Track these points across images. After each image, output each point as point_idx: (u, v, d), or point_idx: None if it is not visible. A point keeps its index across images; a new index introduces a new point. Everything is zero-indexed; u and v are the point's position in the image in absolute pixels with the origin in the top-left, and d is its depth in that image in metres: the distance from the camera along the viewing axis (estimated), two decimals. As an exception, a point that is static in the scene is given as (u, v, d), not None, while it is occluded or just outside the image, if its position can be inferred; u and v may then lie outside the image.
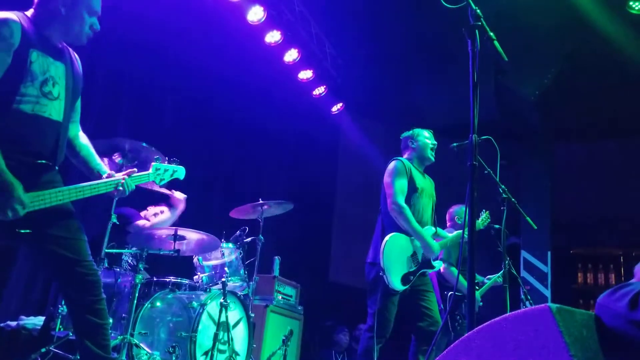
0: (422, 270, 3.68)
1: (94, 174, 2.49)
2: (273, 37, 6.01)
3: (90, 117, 4.41)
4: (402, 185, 3.74)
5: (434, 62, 6.66)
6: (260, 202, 4.51)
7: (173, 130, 5.56)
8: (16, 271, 3.95)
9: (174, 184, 2.91)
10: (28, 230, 2.20)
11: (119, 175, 2.47)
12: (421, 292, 3.73)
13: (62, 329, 3.29)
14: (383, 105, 7.58)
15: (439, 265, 3.77)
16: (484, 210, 4.08)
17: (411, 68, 6.98)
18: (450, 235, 4.02)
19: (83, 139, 2.58)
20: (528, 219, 3.55)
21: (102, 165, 2.54)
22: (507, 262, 3.72)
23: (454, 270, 4.50)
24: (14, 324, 3.57)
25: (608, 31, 5.40)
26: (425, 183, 3.93)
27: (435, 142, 3.98)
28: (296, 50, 6.30)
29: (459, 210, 4.81)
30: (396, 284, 3.53)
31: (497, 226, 3.89)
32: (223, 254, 4.23)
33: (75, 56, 2.54)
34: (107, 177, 2.46)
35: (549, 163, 7.45)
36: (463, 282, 4.27)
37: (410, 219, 3.64)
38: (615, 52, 5.55)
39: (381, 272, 3.51)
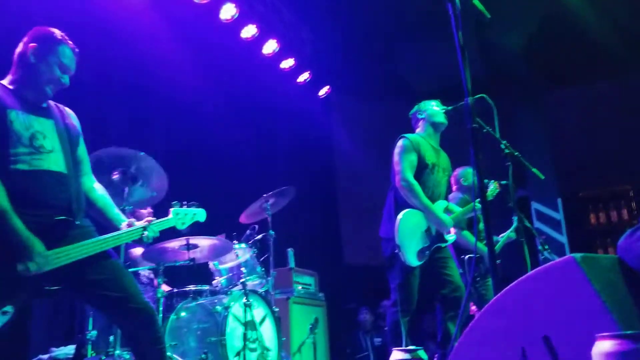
0: (436, 245, 3.69)
1: (112, 225, 2.48)
2: (249, 31, 5.96)
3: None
4: (410, 161, 3.72)
5: (415, 28, 6.58)
6: (264, 196, 4.50)
7: (164, 137, 5.53)
8: (39, 304, 3.95)
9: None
10: (56, 287, 2.17)
11: (140, 224, 2.47)
12: (440, 259, 3.72)
13: (94, 354, 3.31)
14: (370, 80, 7.51)
15: (452, 239, 3.76)
16: (492, 181, 3.99)
17: (392, 38, 6.90)
18: (460, 209, 4.02)
19: (99, 191, 2.57)
20: (534, 169, 3.52)
21: (120, 214, 2.54)
22: (518, 216, 3.71)
23: (465, 233, 4.49)
24: (45, 357, 3.59)
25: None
26: (438, 158, 3.89)
27: (445, 107, 3.89)
28: (274, 40, 6.24)
29: (463, 172, 4.78)
30: (412, 260, 3.55)
31: (504, 182, 3.87)
32: (237, 255, 4.23)
33: (67, 111, 2.52)
34: (127, 226, 2.45)
35: (544, 110, 7.39)
36: (480, 245, 4.26)
37: (419, 195, 3.63)
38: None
39: (397, 249, 3.52)
